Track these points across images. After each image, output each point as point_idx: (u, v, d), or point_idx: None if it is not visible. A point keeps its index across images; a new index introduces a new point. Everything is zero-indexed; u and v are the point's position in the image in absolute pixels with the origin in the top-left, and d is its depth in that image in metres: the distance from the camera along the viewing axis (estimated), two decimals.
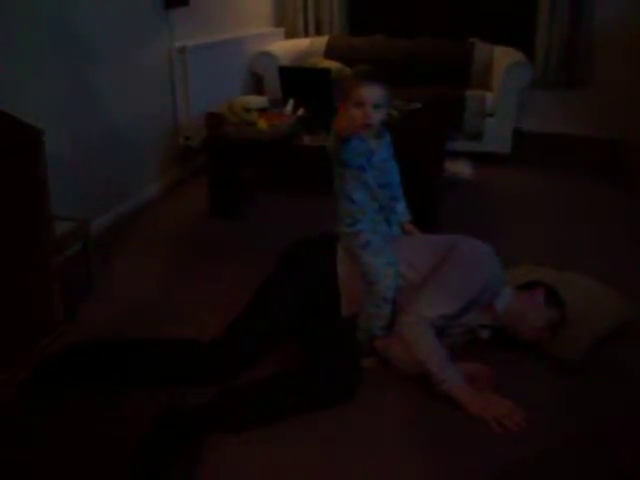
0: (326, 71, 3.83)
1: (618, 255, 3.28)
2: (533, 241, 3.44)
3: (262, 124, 3.52)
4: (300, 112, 3.62)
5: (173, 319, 2.63)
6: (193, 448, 1.92)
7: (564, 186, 4.37)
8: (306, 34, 5.82)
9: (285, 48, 5.29)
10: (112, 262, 3.15)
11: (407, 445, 1.97)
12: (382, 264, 2.31)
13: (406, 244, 2.44)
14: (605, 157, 5.05)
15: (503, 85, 4.66)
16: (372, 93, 2.20)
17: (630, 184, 4.31)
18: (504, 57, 4.90)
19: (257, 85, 5.15)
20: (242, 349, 2.29)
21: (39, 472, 1.86)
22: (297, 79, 3.85)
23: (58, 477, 1.84)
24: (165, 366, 2.24)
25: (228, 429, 2.00)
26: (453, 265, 2.29)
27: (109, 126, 3.51)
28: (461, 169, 4.59)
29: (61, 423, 2.04)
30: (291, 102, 3.69)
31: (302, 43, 5.52)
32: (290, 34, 5.82)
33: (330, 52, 5.30)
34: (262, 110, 3.74)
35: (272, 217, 3.76)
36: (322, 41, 5.45)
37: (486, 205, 3.99)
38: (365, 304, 2.33)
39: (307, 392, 2.11)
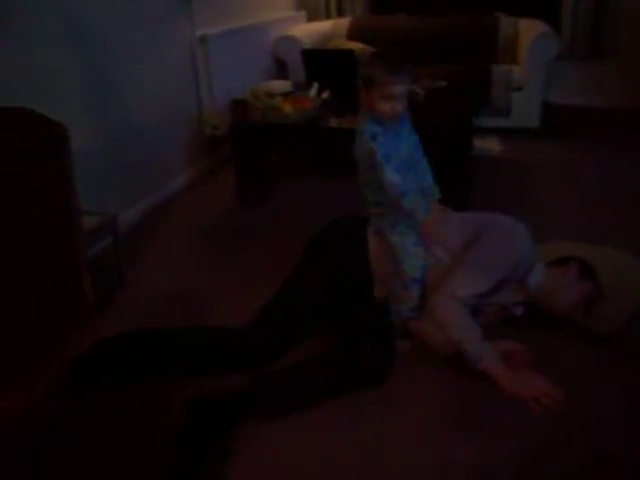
0: (350, 52, 3.79)
1: None
2: (566, 216, 3.39)
3: (287, 108, 3.50)
4: (325, 95, 3.60)
5: (206, 308, 2.65)
6: (227, 436, 1.92)
7: (595, 159, 4.29)
8: (328, 16, 5.77)
9: (307, 31, 5.24)
10: (143, 255, 3.17)
11: (441, 427, 1.97)
12: (409, 244, 2.28)
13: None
14: (636, 129, 4.95)
15: (530, 58, 4.58)
16: (402, 87, 2.16)
17: None
18: (530, 30, 4.81)
19: (281, 70, 5.12)
20: (276, 334, 2.29)
21: (75, 468, 1.87)
22: (321, 62, 3.82)
23: (94, 471, 1.85)
24: (200, 355, 2.25)
25: (261, 416, 2.00)
26: (485, 244, 2.26)
27: (133, 119, 3.52)
28: (490, 145, 4.54)
29: (96, 417, 2.06)
30: (315, 85, 3.66)
31: (324, 25, 5.48)
32: (312, 17, 5.78)
33: (353, 33, 5.26)
34: (286, 95, 3.72)
35: (301, 201, 3.75)
36: (344, 22, 5.41)
37: (516, 181, 3.94)
38: (393, 286, 2.32)
39: (341, 375, 2.11)
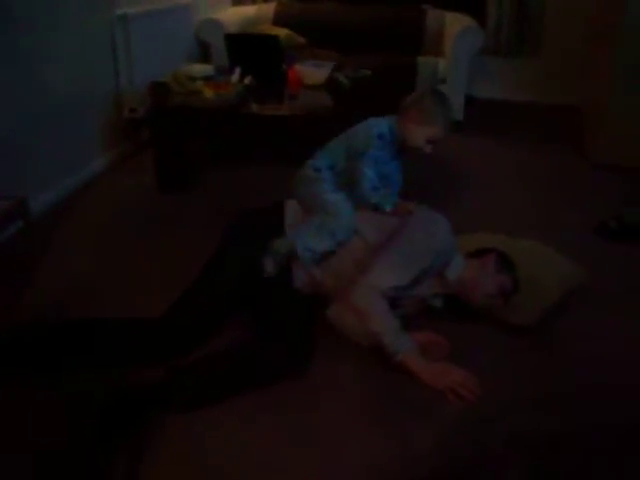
0: (274, 38, 3.75)
1: (570, 221, 3.28)
2: (485, 209, 3.42)
3: (208, 93, 3.42)
4: (247, 80, 3.52)
5: (121, 297, 2.55)
6: (140, 430, 1.85)
7: (516, 153, 4.37)
8: (254, 1, 5.68)
9: (233, 15, 5.16)
10: (56, 241, 3.03)
11: (362, 417, 1.94)
12: (342, 199, 2.38)
13: (364, 215, 2.41)
14: (557, 123, 5.07)
15: (454, 51, 4.61)
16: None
17: (582, 150, 4.33)
18: (455, 23, 4.86)
19: (204, 54, 5.01)
20: (192, 323, 2.22)
21: None
22: (244, 46, 3.74)
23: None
24: (113, 346, 2.15)
25: (178, 408, 1.93)
26: (406, 236, 2.26)
27: (47, 99, 3.35)
28: None
29: (4, 408, 1.95)
30: (238, 70, 3.58)
31: (250, 10, 5.39)
32: (237, 0, 5.67)
33: (279, 19, 5.19)
34: (208, 79, 3.63)
35: (221, 188, 3.66)
36: (270, 8, 5.33)
37: (438, 173, 3.95)
38: (306, 222, 2.36)
39: (258, 365, 2.06)
